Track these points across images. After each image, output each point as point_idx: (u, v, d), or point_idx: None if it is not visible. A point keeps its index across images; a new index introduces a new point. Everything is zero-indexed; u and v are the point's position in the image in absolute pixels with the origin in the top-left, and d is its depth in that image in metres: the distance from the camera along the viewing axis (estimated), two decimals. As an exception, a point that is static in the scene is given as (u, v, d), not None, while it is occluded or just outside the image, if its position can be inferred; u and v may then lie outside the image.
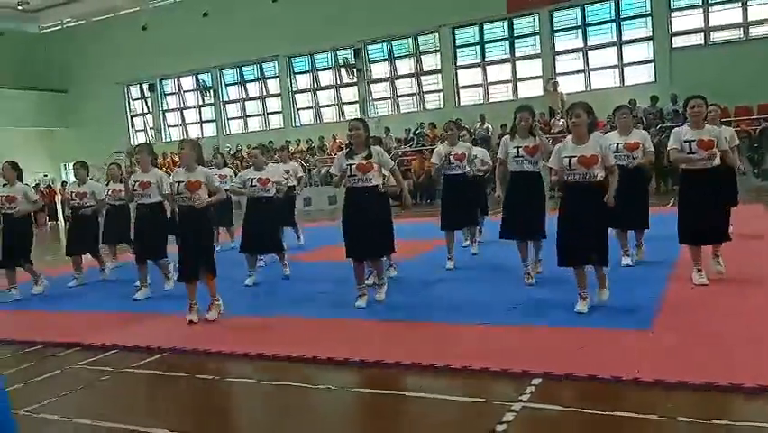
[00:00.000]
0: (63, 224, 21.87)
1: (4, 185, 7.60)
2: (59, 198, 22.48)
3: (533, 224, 5.86)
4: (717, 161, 5.40)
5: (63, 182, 24.96)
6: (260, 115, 23.44)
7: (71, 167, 27.25)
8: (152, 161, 7.09)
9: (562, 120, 16.97)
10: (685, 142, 5.42)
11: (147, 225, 6.81)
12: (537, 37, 18.71)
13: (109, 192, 8.53)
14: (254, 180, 7.10)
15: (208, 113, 24.37)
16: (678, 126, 5.94)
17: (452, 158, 6.95)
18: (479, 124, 17.96)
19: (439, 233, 7.26)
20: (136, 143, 24.71)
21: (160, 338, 5.16)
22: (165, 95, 25.29)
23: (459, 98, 20.00)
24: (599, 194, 4.80)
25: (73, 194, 8.12)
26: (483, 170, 8.02)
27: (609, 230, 6.26)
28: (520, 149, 5.82)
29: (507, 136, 6.05)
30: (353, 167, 5.51)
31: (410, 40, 20.52)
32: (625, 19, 17.75)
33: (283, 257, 7.39)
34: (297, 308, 5.88)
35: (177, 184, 5.61)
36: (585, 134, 4.89)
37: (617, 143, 6.26)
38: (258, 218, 7.07)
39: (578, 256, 4.87)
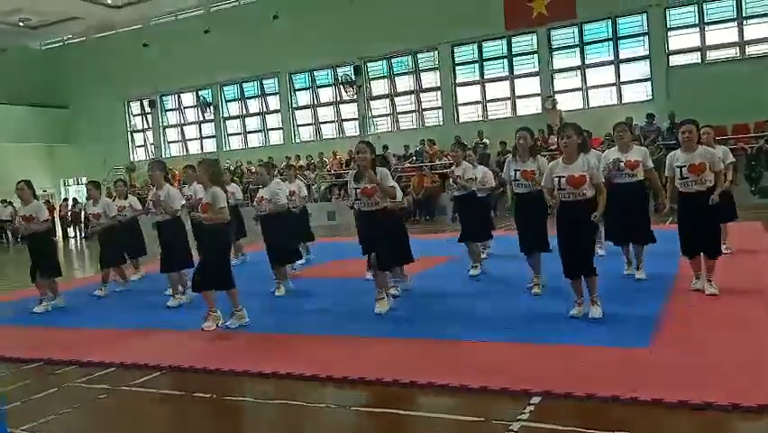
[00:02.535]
0: (62, 240, 21.87)
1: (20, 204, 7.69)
2: (57, 213, 22.51)
3: (537, 240, 6.13)
4: (710, 183, 5.51)
5: (65, 199, 25.03)
6: (261, 131, 23.55)
7: (71, 183, 27.47)
8: (165, 177, 7.26)
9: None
10: (677, 167, 5.59)
11: (164, 240, 7.15)
12: (535, 55, 18.88)
13: (116, 208, 8.67)
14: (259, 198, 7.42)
15: (208, 129, 24.47)
16: (674, 144, 6.03)
17: (458, 178, 7.29)
18: (477, 140, 18.06)
19: (440, 250, 7.34)
20: (135, 159, 25.04)
21: (158, 356, 5.15)
22: (165, 111, 25.41)
23: (458, 116, 20.12)
24: (589, 210, 4.99)
25: (91, 216, 8.46)
26: (485, 191, 7.99)
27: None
28: (518, 172, 6.07)
29: (510, 157, 6.31)
30: (358, 191, 5.74)
31: (410, 57, 20.68)
32: (622, 38, 17.93)
33: (282, 275, 7.41)
34: (296, 326, 5.88)
35: (199, 202, 5.94)
36: (575, 155, 5.08)
37: (619, 161, 6.32)
38: (273, 232, 7.26)
39: (573, 270, 5.15)
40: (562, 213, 5.15)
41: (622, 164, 6.29)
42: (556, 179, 5.07)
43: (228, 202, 5.98)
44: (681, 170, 5.54)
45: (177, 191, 7.28)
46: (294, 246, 7.84)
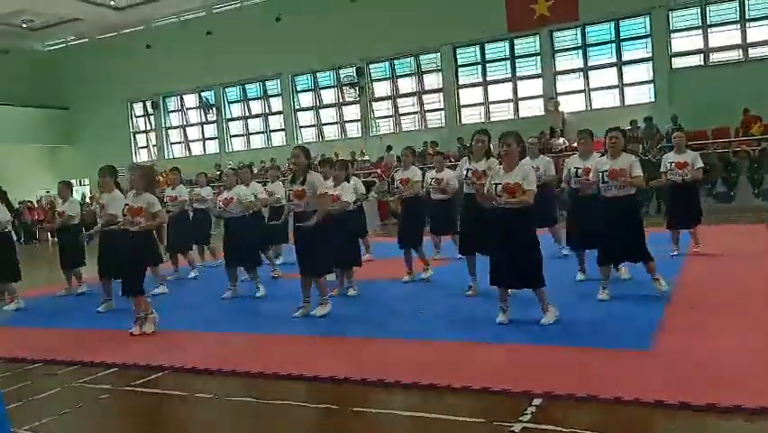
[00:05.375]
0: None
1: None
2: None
3: (484, 244, 5.78)
4: (629, 190, 5.67)
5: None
6: (263, 132, 23.57)
7: (74, 184, 27.55)
8: (115, 183, 7.14)
9: (562, 139, 17.07)
10: (600, 171, 5.75)
11: (112, 245, 6.92)
12: (538, 57, 18.86)
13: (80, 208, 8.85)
14: (222, 200, 7.63)
15: (211, 130, 24.50)
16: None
17: (398, 182, 7.49)
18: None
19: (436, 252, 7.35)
20: (138, 161, 25.05)
21: (158, 357, 5.15)
22: (168, 112, 25.44)
23: (460, 117, 20.11)
24: (522, 220, 5.01)
25: (57, 214, 8.71)
26: (449, 193, 7.89)
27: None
28: (469, 171, 6.06)
29: (466, 158, 6.33)
30: (291, 193, 6.07)
31: (412, 59, 20.69)
32: (624, 40, 17.90)
33: (256, 276, 7.50)
34: (294, 327, 5.86)
35: (125, 206, 6.01)
36: (515, 163, 5.12)
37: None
38: (232, 235, 7.45)
39: (501, 278, 5.14)
40: (496, 219, 5.11)
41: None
42: (493, 186, 5.09)
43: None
44: (603, 175, 5.71)
45: (122, 197, 6.73)
46: (251, 251, 7.62)
